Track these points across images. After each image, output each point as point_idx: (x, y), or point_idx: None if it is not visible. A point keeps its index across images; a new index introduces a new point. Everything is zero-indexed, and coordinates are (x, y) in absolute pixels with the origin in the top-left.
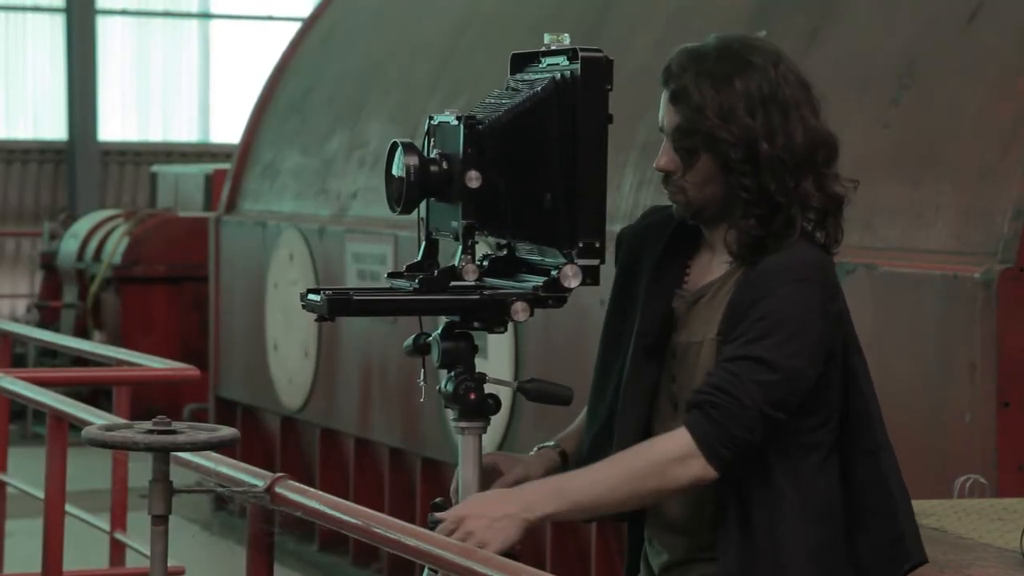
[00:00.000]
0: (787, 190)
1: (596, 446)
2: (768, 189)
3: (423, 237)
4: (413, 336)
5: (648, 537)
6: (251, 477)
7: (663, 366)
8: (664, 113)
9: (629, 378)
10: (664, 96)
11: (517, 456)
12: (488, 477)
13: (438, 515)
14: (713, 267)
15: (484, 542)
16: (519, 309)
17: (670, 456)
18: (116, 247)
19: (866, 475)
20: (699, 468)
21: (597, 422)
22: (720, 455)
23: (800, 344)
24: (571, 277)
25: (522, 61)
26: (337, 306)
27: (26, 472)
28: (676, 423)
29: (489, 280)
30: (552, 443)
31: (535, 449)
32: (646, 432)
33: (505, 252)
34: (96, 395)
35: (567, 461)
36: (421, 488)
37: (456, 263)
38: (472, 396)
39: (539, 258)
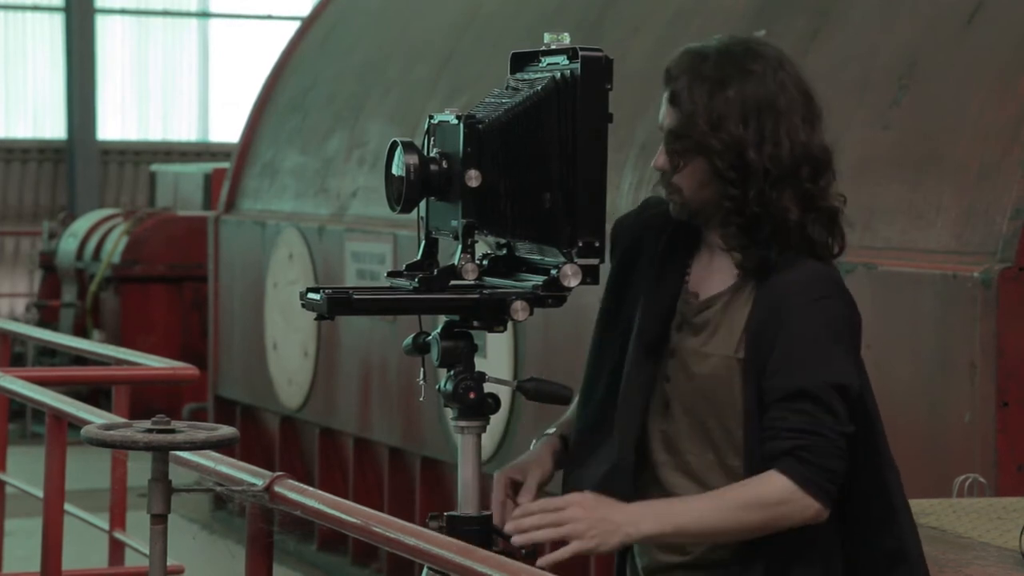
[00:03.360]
0: (766, 200)
1: (589, 429)
2: (761, 196)
3: (423, 236)
4: (412, 335)
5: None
6: (250, 476)
7: (659, 364)
8: (663, 113)
9: (630, 375)
10: (664, 96)
11: (526, 461)
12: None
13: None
14: (714, 266)
15: (580, 535)
16: (518, 308)
17: (773, 499)
18: (115, 246)
19: (870, 493)
20: (812, 509)
21: (591, 406)
22: (827, 491)
23: (842, 359)
24: (571, 276)
25: (522, 60)
26: (337, 305)
27: (25, 471)
28: (668, 424)
29: (489, 279)
30: (552, 429)
31: (536, 440)
32: (642, 428)
33: (505, 251)
34: (95, 394)
35: (567, 446)
36: (421, 488)
37: (456, 262)
38: (472, 395)
39: (539, 257)
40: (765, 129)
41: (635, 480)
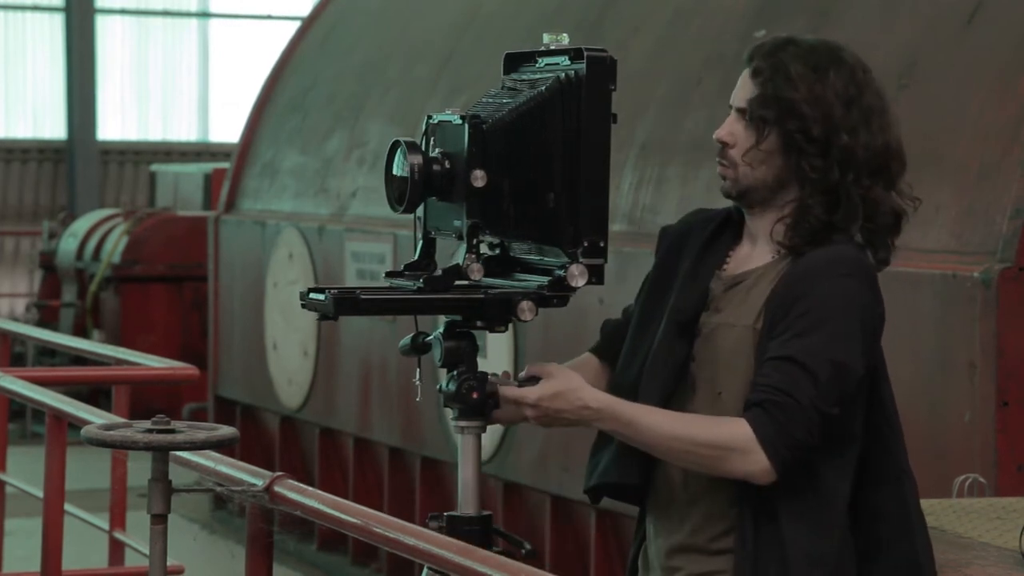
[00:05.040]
0: (863, 187)
1: None
2: (844, 180)
3: (420, 236)
4: (411, 336)
5: (652, 520)
6: (250, 476)
7: (689, 347)
8: (740, 88)
9: (658, 351)
10: (746, 72)
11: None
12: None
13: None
14: (753, 257)
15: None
16: (525, 308)
17: (733, 444)
18: (115, 246)
19: (888, 501)
20: (760, 466)
21: (622, 392)
22: (783, 457)
23: (849, 339)
24: (577, 276)
25: (516, 61)
26: (344, 305)
27: (25, 471)
28: (692, 407)
29: (486, 279)
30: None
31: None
32: (665, 407)
33: (498, 252)
34: (95, 394)
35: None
36: (420, 488)
37: (461, 262)
38: (475, 395)
39: (537, 258)
40: (857, 119)
41: (648, 459)
